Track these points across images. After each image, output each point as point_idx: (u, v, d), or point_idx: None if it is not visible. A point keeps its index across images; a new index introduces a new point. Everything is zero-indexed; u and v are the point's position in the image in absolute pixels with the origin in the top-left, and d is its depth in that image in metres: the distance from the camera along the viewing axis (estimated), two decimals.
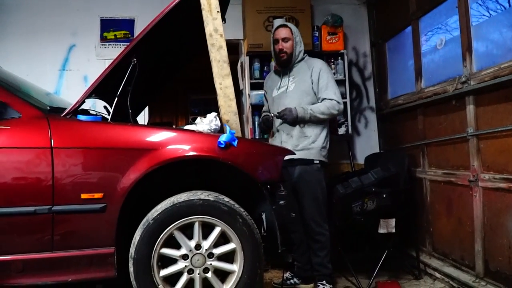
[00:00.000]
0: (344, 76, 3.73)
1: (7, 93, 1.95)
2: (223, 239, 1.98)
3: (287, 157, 2.39)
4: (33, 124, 1.89)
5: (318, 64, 2.75)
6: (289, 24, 2.84)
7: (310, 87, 2.70)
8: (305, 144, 2.66)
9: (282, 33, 2.76)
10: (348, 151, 3.79)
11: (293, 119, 2.64)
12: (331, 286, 2.63)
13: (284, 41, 2.75)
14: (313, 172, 2.65)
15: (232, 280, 1.96)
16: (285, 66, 2.80)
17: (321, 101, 2.68)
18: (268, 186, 2.13)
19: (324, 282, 2.61)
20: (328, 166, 2.80)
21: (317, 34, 3.74)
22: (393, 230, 2.87)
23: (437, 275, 2.94)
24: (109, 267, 1.85)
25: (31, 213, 1.79)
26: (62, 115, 1.98)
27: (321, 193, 2.67)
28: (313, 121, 2.67)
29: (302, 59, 2.80)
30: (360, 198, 2.84)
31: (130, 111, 2.18)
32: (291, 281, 2.89)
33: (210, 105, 2.57)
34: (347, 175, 3.34)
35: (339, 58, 3.75)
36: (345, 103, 3.69)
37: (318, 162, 2.66)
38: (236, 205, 1.99)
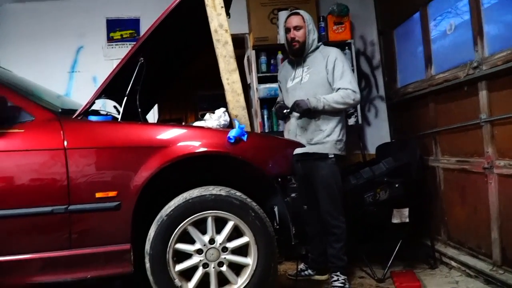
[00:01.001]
0: (352, 65, 3.70)
1: (20, 97, 1.99)
2: (236, 233, 2.00)
3: (300, 151, 2.40)
4: (46, 126, 1.93)
5: (333, 53, 2.66)
6: (301, 12, 2.72)
7: (325, 78, 2.63)
8: (320, 138, 2.62)
9: (294, 21, 2.67)
10: (358, 142, 3.77)
11: (306, 110, 2.55)
12: (345, 277, 2.63)
13: (296, 30, 2.65)
14: (327, 167, 2.61)
15: (247, 273, 1.98)
16: (299, 56, 2.72)
17: (336, 91, 2.60)
18: (279, 179, 2.14)
19: (338, 273, 2.62)
20: (344, 158, 2.76)
21: (323, 25, 3.71)
22: (407, 220, 2.86)
23: (453, 264, 2.92)
24: (126, 263, 1.89)
25: (48, 213, 1.84)
26: (73, 117, 2.01)
27: (336, 186, 2.63)
28: (328, 111, 2.58)
29: (317, 48, 2.71)
30: (372, 188, 2.83)
31: (139, 110, 2.21)
32: (306, 272, 2.90)
33: (219, 100, 2.58)
34: (358, 165, 3.33)
35: (347, 47, 3.72)
36: None
37: (333, 156, 2.61)
38: (248, 199, 2.00)
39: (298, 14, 2.70)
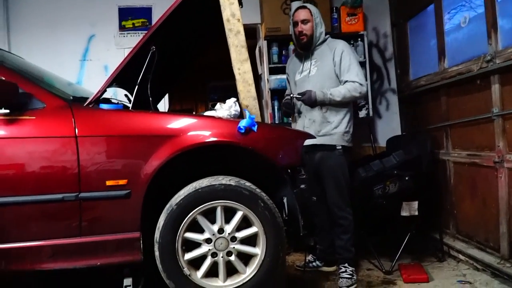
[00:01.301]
0: (365, 57, 3.67)
1: (32, 84, 1.99)
2: (245, 223, 2.00)
3: (308, 142, 2.39)
4: (58, 114, 1.93)
5: (340, 45, 2.66)
6: (308, 5, 2.74)
7: (332, 71, 2.64)
8: (327, 129, 2.63)
9: (301, 15, 2.68)
10: (369, 134, 3.75)
11: (311, 103, 2.60)
12: (353, 268, 2.64)
13: (304, 23, 2.67)
14: (335, 157, 2.63)
15: (255, 263, 1.99)
16: (307, 49, 2.73)
17: (343, 84, 2.61)
18: (289, 170, 2.14)
19: (346, 264, 2.62)
20: (351, 150, 2.77)
21: (336, 16, 3.67)
22: (416, 213, 2.84)
23: (461, 257, 2.91)
24: (135, 251, 1.90)
25: (59, 200, 1.85)
26: (85, 105, 2.01)
27: (343, 177, 2.65)
28: (334, 104, 2.61)
29: (324, 41, 2.72)
30: (382, 181, 2.82)
31: (150, 99, 2.21)
32: (314, 264, 2.91)
33: (230, 91, 2.58)
34: (369, 158, 3.31)
35: (359, 39, 3.68)
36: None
37: (340, 147, 2.62)
38: (258, 190, 2.00)
39: (305, 7, 2.72)
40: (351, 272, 2.60)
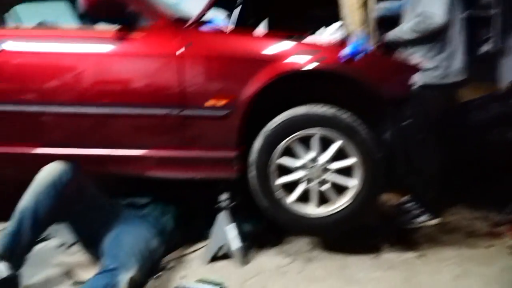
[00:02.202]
0: None
1: (142, 1, 2.04)
2: (341, 154, 1.94)
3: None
4: (164, 33, 1.98)
5: None
6: None
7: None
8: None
9: None
10: (489, 72, 3.30)
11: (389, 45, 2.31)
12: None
13: None
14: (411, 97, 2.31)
15: (349, 195, 1.95)
16: None
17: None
18: (395, 104, 1.98)
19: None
20: (449, 87, 2.37)
21: None
22: None
23: None
24: (230, 169, 1.98)
25: (163, 115, 1.97)
26: (187, 25, 2.02)
27: (415, 120, 2.30)
28: (414, 41, 2.20)
29: None
30: (500, 125, 2.53)
31: (250, 21, 2.15)
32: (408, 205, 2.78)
33: (331, 19, 2.40)
34: (484, 98, 2.95)
35: None
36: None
37: (422, 84, 2.20)
38: (357, 121, 1.91)
39: None
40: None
